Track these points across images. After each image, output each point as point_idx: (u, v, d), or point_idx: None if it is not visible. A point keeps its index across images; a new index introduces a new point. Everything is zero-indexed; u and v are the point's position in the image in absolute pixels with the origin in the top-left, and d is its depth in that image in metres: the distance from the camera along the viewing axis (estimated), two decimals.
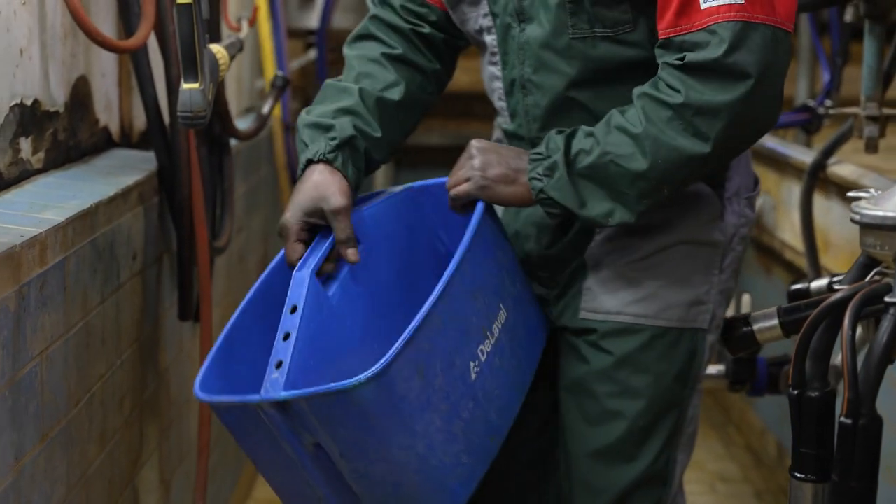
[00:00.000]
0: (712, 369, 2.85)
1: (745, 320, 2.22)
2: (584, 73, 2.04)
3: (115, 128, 2.71)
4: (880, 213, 1.64)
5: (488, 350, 1.96)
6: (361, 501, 1.89)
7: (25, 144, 2.17)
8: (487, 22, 2.14)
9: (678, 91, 1.90)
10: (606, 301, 2.11)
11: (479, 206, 2.03)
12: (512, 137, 2.18)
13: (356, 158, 2.10)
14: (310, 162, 2.07)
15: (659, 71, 1.94)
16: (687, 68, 1.89)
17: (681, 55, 1.90)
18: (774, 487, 4.17)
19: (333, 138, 2.07)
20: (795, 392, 1.65)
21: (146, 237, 2.49)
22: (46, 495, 1.87)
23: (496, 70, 2.16)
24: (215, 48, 2.45)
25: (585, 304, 2.13)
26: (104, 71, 2.61)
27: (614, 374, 2.11)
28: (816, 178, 3.16)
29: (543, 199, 2.00)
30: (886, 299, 1.59)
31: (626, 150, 1.93)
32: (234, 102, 3.64)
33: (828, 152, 3.05)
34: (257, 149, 3.99)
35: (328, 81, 2.21)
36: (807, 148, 3.88)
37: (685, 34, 1.90)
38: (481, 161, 2.04)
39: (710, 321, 2.15)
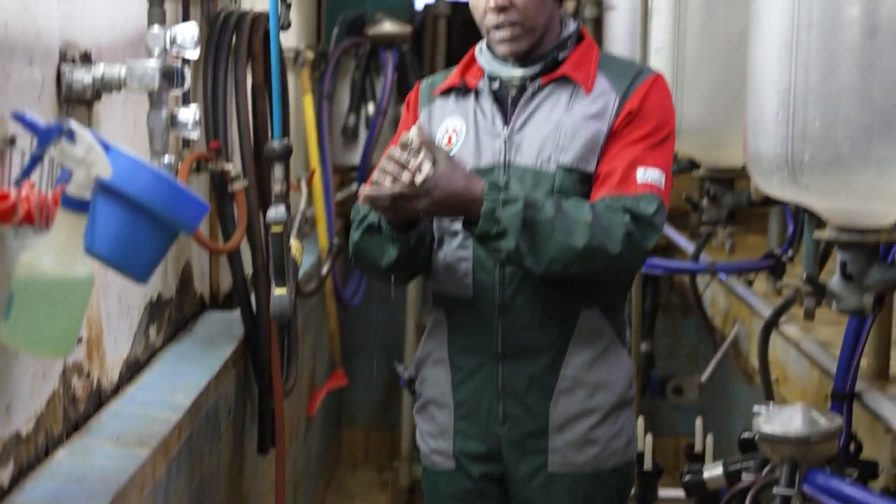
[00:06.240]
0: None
1: (699, 469, 2.88)
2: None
3: (206, 293, 3.43)
4: (769, 430, 2.33)
5: None
6: None
7: (152, 330, 2.88)
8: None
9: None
10: (576, 458, 2.65)
11: None
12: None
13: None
14: None
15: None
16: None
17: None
18: None
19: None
20: None
21: (236, 394, 3.20)
22: None
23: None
24: (294, 244, 3.18)
25: (554, 461, 2.65)
26: (200, 251, 3.33)
27: None
28: (770, 333, 3.83)
29: (489, 219, 2.43)
30: (774, 490, 2.28)
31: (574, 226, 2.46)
32: None
33: (778, 313, 3.73)
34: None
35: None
36: (766, 301, 4.55)
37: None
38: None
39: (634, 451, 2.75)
